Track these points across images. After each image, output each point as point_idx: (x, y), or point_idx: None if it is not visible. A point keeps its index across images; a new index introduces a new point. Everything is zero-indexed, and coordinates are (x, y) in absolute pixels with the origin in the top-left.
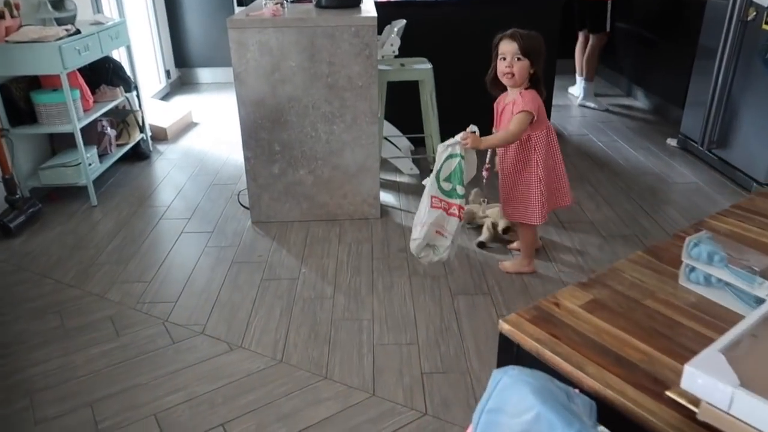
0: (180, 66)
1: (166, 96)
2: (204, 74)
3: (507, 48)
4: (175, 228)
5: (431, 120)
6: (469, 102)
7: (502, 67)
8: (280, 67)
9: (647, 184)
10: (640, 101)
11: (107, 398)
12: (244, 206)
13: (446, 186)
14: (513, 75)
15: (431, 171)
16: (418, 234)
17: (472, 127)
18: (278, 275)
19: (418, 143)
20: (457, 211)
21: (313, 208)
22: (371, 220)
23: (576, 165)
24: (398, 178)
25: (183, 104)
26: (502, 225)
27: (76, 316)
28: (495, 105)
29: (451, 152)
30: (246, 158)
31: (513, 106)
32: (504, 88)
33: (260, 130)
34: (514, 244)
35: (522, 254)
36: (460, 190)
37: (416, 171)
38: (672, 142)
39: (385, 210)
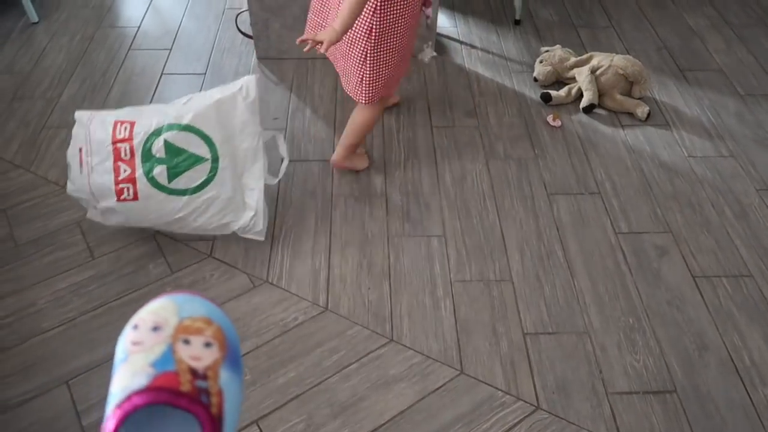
0: None
1: None
2: None
3: None
4: (152, 65)
5: None
6: None
7: None
8: None
9: None
10: None
11: (89, 370)
12: (245, 35)
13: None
14: None
15: None
16: None
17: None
18: (305, 154)
19: None
20: None
21: None
22: (422, 59)
23: None
24: None
25: None
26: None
27: (29, 220)
28: None
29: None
30: None
31: None
32: None
33: None
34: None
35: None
36: None
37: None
38: None
39: (439, 42)
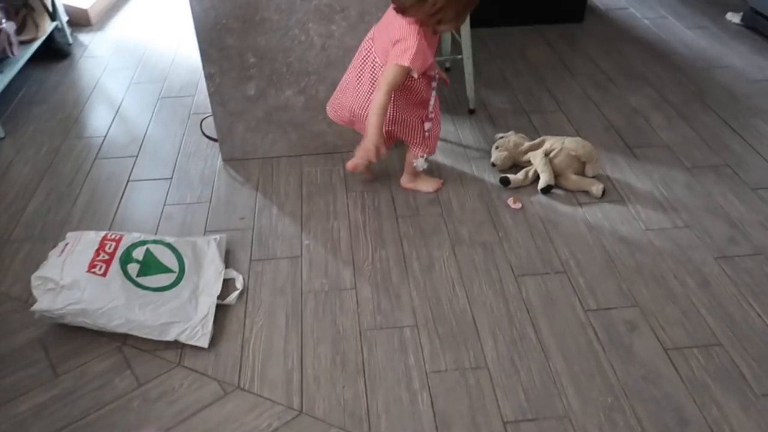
0: None
1: None
2: None
3: None
4: (118, 173)
5: None
6: None
7: None
8: None
9: (721, 83)
10: None
11: None
12: (210, 138)
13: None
14: None
15: (446, 69)
16: None
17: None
18: (273, 252)
19: None
20: None
21: (305, 140)
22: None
23: (628, 56)
24: None
25: None
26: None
27: None
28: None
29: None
30: (208, 76)
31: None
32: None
33: (225, 35)
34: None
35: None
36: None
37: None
38: (734, 17)
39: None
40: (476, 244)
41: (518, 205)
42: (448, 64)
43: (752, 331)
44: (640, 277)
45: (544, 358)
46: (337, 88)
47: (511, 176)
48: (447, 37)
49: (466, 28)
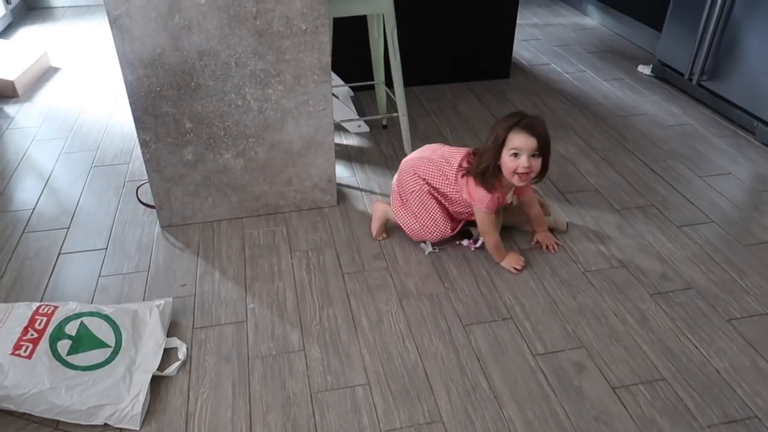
0: None
1: (6, 30)
2: None
3: (523, 143)
4: (48, 246)
5: (393, 62)
6: (433, 45)
7: (515, 165)
8: (182, 5)
9: (639, 129)
10: (593, 18)
11: None
12: (147, 205)
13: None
14: (529, 175)
15: (384, 127)
16: None
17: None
18: (217, 318)
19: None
20: None
21: (246, 202)
22: (326, 209)
23: (553, 108)
24: (344, 140)
25: (34, 40)
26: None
27: None
28: (491, 198)
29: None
30: (143, 143)
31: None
32: (497, 179)
33: (160, 102)
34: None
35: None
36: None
37: (365, 129)
38: (644, 70)
39: (340, 192)
40: (423, 296)
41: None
42: (384, 122)
43: (692, 364)
44: (583, 318)
45: (497, 406)
46: None
47: (472, 229)
48: (383, 96)
49: (399, 87)
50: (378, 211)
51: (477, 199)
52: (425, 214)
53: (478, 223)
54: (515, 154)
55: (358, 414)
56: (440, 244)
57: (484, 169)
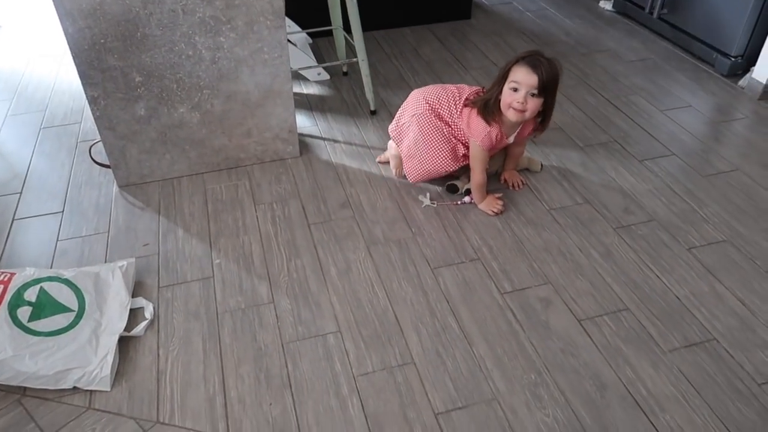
0: None
1: None
2: None
3: (523, 78)
4: (1, 213)
5: (350, 5)
6: None
7: (511, 99)
8: None
9: (601, 65)
10: None
11: None
12: (102, 165)
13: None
14: (524, 112)
15: (344, 74)
16: None
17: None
18: (182, 275)
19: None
20: None
21: (206, 156)
22: (289, 161)
23: (515, 47)
24: (304, 89)
25: None
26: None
27: None
28: (488, 133)
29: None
30: (91, 99)
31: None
32: (497, 114)
33: (106, 55)
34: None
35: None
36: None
37: (326, 76)
38: (606, 5)
39: (303, 142)
40: (391, 243)
41: (433, 204)
42: (345, 69)
43: (654, 293)
44: (549, 255)
45: (467, 345)
46: None
47: (457, 183)
48: (341, 42)
49: (358, 31)
50: (392, 148)
51: (474, 131)
52: (422, 138)
53: (471, 156)
54: (515, 89)
55: (331, 361)
56: (438, 199)
57: (486, 100)
